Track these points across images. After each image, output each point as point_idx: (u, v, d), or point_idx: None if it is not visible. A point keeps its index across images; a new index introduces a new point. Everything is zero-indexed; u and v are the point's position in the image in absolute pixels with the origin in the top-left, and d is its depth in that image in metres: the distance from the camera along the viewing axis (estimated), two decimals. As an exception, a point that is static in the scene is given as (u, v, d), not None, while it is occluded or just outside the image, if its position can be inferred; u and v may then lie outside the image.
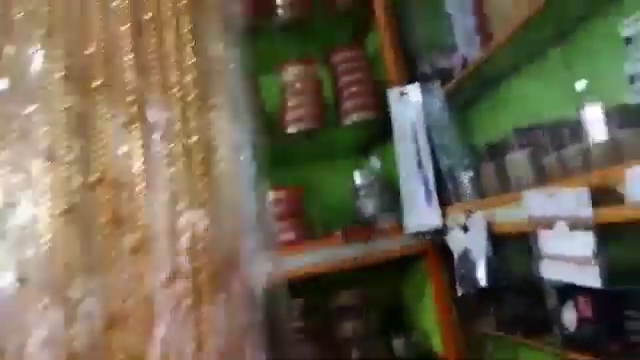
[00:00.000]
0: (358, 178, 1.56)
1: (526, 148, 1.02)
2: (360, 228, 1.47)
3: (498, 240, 1.07)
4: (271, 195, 1.48)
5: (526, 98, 1.16)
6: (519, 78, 1.21)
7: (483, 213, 1.09)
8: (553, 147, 0.95)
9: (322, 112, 1.53)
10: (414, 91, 1.43)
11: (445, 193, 1.35)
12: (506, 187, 1.05)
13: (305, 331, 1.44)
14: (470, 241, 1.14)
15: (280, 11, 1.55)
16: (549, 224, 0.86)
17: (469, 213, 1.15)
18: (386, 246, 1.38)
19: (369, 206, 1.52)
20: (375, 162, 1.62)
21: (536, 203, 0.89)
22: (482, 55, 1.13)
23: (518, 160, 1.01)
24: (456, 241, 1.20)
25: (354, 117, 1.51)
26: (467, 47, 1.24)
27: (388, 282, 1.69)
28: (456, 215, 1.24)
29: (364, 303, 1.53)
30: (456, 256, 1.22)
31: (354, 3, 1.58)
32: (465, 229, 1.14)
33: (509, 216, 1.00)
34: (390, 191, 1.52)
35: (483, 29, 1.15)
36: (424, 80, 1.45)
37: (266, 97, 1.57)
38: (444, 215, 1.32)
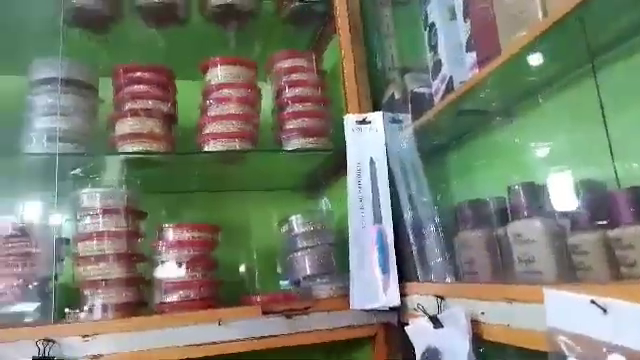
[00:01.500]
0: (295, 224, 1.18)
1: (539, 216, 0.68)
2: (288, 296, 1.08)
3: (487, 348, 0.71)
4: (170, 233, 1.07)
5: (537, 143, 0.84)
6: (530, 114, 0.89)
7: (464, 305, 0.73)
8: (587, 219, 0.61)
9: (255, 130, 1.15)
10: (377, 120, 1.09)
11: (407, 262, 0.99)
12: (506, 272, 0.70)
13: None
14: (442, 340, 0.77)
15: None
16: (591, 350, 0.50)
17: (442, 300, 0.80)
18: (321, 324, 0.99)
19: (305, 264, 1.13)
20: (319, 205, 1.25)
21: (567, 311, 0.53)
22: (477, 76, 0.80)
23: (530, 230, 0.67)
24: (420, 335, 0.83)
25: (297, 143, 1.14)
26: (454, 65, 0.91)
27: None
28: (422, 297, 0.88)
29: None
30: (418, 355, 0.84)
31: (313, 4, 1.25)
32: (435, 322, 0.78)
33: (511, 319, 0.65)
34: (337, 247, 1.15)
35: (481, 41, 0.82)
36: (391, 107, 1.12)
37: (184, 104, 1.19)
38: (404, 293, 0.96)
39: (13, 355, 0.84)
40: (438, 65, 0.94)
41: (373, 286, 0.98)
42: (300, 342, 0.98)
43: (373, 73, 1.17)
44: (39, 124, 1.05)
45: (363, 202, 1.03)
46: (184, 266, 1.05)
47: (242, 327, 0.95)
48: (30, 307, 0.99)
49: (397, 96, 1.12)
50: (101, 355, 0.88)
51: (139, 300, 1.04)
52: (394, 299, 0.96)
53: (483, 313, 0.70)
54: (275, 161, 1.24)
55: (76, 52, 1.12)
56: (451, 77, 0.90)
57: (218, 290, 1.09)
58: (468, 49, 0.87)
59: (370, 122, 1.09)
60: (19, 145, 1.06)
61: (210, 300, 1.05)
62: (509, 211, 0.75)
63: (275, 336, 0.96)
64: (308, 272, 1.13)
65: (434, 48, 0.97)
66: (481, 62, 0.80)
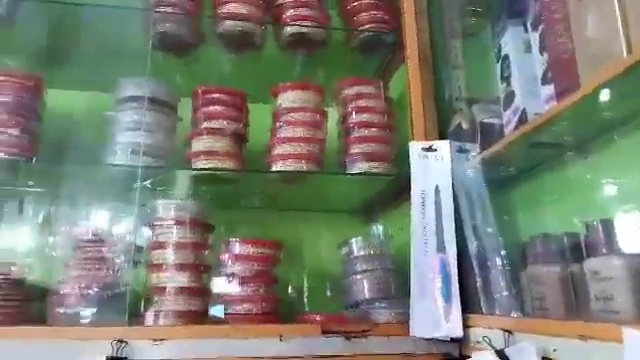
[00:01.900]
0: (355, 246, 1.19)
1: (617, 253, 0.66)
2: (346, 317, 1.09)
3: (556, 387, 0.69)
4: (237, 246, 1.11)
5: (610, 180, 0.82)
6: (605, 151, 0.87)
7: (534, 341, 0.72)
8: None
9: (321, 153, 1.19)
10: (443, 148, 1.09)
11: (470, 293, 0.98)
12: (580, 310, 0.69)
13: None
14: (508, 376, 0.75)
15: (289, 26, 1.25)
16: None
17: (509, 335, 0.78)
18: (380, 348, 0.99)
19: (364, 288, 1.14)
20: (381, 230, 1.26)
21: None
22: (554, 108, 0.80)
23: (609, 267, 0.65)
24: (484, 369, 0.81)
25: (362, 167, 1.17)
26: (528, 97, 0.91)
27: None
28: (487, 331, 0.87)
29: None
30: (480, 389, 0.83)
31: (383, 34, 1.28)
32: (502, 356, 0.76)
33: (586, 357, 0.63)
34: (396, 273, 1.15)
35: (559, 74, 0.82)
36: (458, 137, 1.12)
37: (254, 126, 1.24)
38: (467, 324, 0.95)
39: (89, 352, 0.89)
40: (511, 96, 0.95)
41: (434, 315, 0.97)
42: (358, 366, 0.98)
43: (439, 103, 1.18)
44: (124, 138, 1.14)
45: (426, 230, 1.03)
46: (248, 280, 1.08)
47: (302, 344, 0.97)
48: (104, 309, 1.06)
49: (465, 126, 1.12)
50: (169, 360, 0.92)
51: (203, 310, 1.08)
52: (457, 330, 0.95)
53: (555, 350, 0.68)
54: (338, 184, 1.26)
55: (159, 73, 1.20)
56: (524, 109, 0.90)
57: (278, 306, 1.12)
58: (544, 82, 0.87)
59: (436, 150, 1.09)
60: (102, 157, 1.14)
61: (270, 315, 1.08)
62: (584, 247, 0.73)
63: (334, 356, 0.97)
64: (367, 296, 1.13)
65: (507, 80, 0.97)
66: (559, 94, 0.80)
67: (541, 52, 0.89)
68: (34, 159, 1.09)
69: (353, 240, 1.20)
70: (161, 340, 0.93)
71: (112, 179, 1.19)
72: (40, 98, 1.15)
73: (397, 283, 1.15)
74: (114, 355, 0.90)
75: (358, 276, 1.16)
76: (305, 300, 1.38)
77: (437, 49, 1.23)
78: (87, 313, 1.03)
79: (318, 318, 1.06)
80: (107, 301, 1.06)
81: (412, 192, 1.06)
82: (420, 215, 1.04)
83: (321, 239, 1.45)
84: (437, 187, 1.06)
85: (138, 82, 1.17)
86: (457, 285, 0.98)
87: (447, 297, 0.98)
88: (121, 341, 0.90)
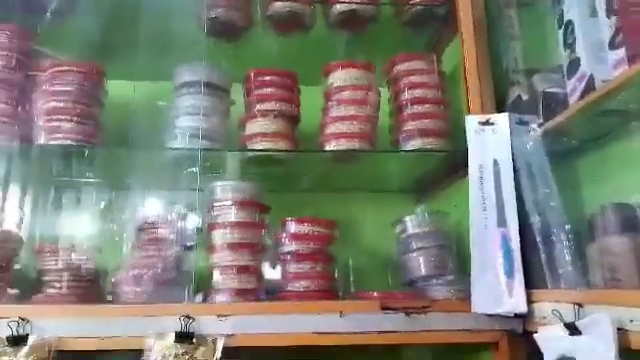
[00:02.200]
0: (410, 224, 1.18)
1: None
2: (405, 294, 1.09)
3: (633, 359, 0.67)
4: (293, 226, 1.13)
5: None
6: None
7: (608, 313, 0.69)
8: None
9: (373, 131, 1.18)
10: (502, 121, 1.06)
11: (533, 268, 0.96)
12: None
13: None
14: (580, 350, 0.73)
15: (339, 3, 1.24)
16: None
17: (579, 308, 0.76)
18: (440, 324, 0.99)
19: (421, 265, 1.13)
20: (437, 206, 1.24)
21: None
22: (626, 73, 0.76)
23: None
24: (553, 343, 0.80)
25: (416, 143, 1.15)
26: (594, 63, 0.86)
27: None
28: (554, 304, 0.85)
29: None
30: (548, 364, 0.81)
31: (435, 7, 1.25)
32: (573, 330, 0.74)
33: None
34: (453, 249, 1.14)
35: (632, 37, 0.78)
36: (517, 109, 1.09)
37: (305, 109, 1.24)
38: (531, 300, 0.93)
39: (159, 328, 0.94)
40: (575, 64, 0.90)
41: (497, 290, 0.96)
42: (418, 341, 0.98)
43: (494, 76, 1.14)
44: (182, 122, 1.17)
45: (486, 204, 1.01)
46: (305, 258, 1.10)
47: (362, 320, 0.98)
48: (169, 288, 1.10)
49: (524, 97, 1.09)
50: (234, 334, 0.95)
51: (262, 288, 1.11)
52: (521, 305, 0.93)
53: (632, 321, 0.66)
54: (390, 162, 1.26)
55: (209, 59, 1.22)
56: (591, 75, 0.86)
57: (334, 284, 1.13)
58: (612, 46, 0.82)
59: (493, 123, 1.07)
60: (163, 142, 1.18)
61: (328, 293, 1.09)
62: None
63: (394, 332, 0.98)
64: (423, 273, 1.13)
65: (570, 46, 0.93)
66: (631, 58, 0.76)
67: (608, 15, 0.84)
68: (97, 145, 1.14)
69: (407, 218, 1.19)
70: (225, 316, 0.96)
71: (171, 163, 1.23)
72: (102, 87, 1.20)
73: (453, 260, 1.14)
74: (182, 330, 0.94)
75: (413, 254, 1.16)
76: (358, 280, 1.39)
77: (491, 20, 1.19)
78: (152, 292, 1.08)
79: (375, 295, 1.06)
80: (171, 280, 1.10)
81: (470, 167, 1.04)
82: (479, 190, 1.02)
83: (372, 219, 1.45)
84: (495, 161, 1.04)
85: (194, 67, 1.20)
86: (520, 260, 0.96)
87: (510, 272, 0.96)
88: (188, 317, 0.94)
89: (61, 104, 1.12)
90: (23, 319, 0.93)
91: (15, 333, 0.92)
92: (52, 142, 1.11)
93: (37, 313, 0.95)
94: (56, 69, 1.15)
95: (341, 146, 1.15)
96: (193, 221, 1.18)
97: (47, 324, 0.94)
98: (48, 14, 1.28)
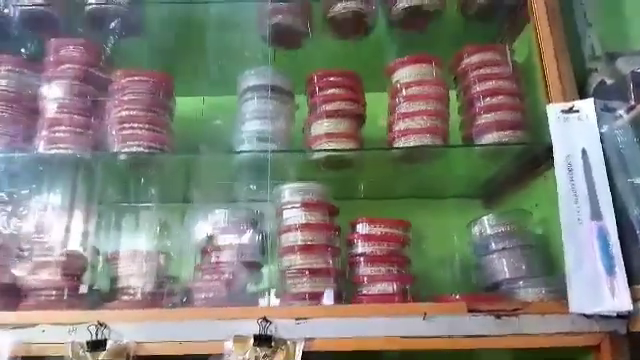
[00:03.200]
0: (487, 224, 1.12)
1: None
2: (491, 297, 1.02)
3: None
4: (363, 227, 1.09)
5: None
6: None
7: None
8: None
9: (445, 126, 1.13)
10: (586, 108, 1.00)
11: (635, 261, 0.88)
12: None
13: None
14: None
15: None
16: None
17: None
18: (534, 328, 0.91)
19: (504, 267, 1.06)
20: (518, 204, 1.17)
21: None
22: None
23: None
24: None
25: (492, 137, 1.10)
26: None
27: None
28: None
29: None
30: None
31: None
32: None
33: None
34: (538, 249, 1.07)
35: None
36: (602, 94, 1.02)
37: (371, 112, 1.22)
38: (635, 297, 0.85)
39: (237, 330, 0.91)
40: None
41: (596, 288, 0.88)
42: (510, 345, 0.92)
43: (576, 59, 1.08)
44: (249, 127, 1.17)
45: (577, 197, 0.94)
46: (380, 260, 1.05)
47: (447, 323, 0.92)
48: (244, 293, 1.09)
49: (608, 82, 1.02)
50: (313, 338, 0.91)
51: (337, 291, 1.07)
52: (625, 303, 0.85)
53: None
54: (464, 159, 1.20)
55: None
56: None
57: (412, 287, 1.08)
58: None
59: (578, 111, 1.00)
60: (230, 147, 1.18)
61: (405, 296, 1.04)
62: None
63: (483, 336, 0.91)
64: (507, 275, 1.06)
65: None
66: None
67: None
68: (169, 152, 1.16)
69: (485, 218, 1.13)
70: (304, 319, 0.93)
71: (238, 169, 1.23)
72: (172, 96, 1.22)
73: (540, 260, 1.06)
74: (261, 333, 0.91)
75: (494, 255, 1.09)
76: (427, 288, 1.33)
77: (566, 5, 1.14)
78: (226, 297, 1.07)
79: (458, 298, 1.00)
80: (245, 286, 1.09)
81: (555, 158, 0.98)
82: (568, 182, 0.95)
83: (437, 226, 1.38)
84: (584, 150, 0.97)
85: (259, 72, 1.20)
86: (620, 254, 0.88)
87: (609, 268, 0.88)
88: (266, 320, 0.91)
89: (133, 112, 1.14)
90: (101, 324, 0.93)
91: (94, 338, 0.92)
92: (125, 149, 1.13)
93: (115, 318, 0.94)
94: (127, 79, 1.18)
95: (411, 143, 1.11)
96: (263, 226, 1.17)
97: (125, 329, 0.93)
98: (115, 34, 1.32)
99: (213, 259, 1.13)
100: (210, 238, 1.17)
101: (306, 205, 1.10)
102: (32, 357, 0.92)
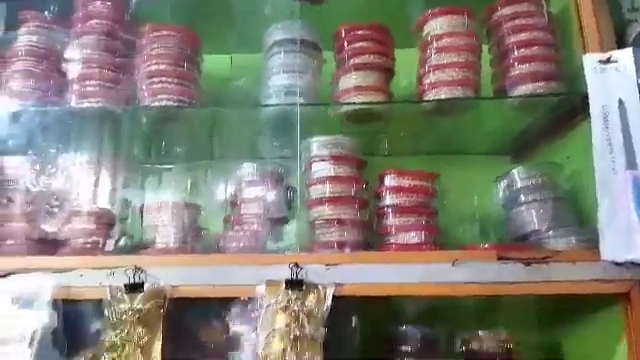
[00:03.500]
0: (517, 177, 1.12)
1: None
2: (521, 246, 1.02)
3: None
4: (391, 179, 1.09)
5: None
6: None
7: None
8: None
9: (477, 78, 1.12)
10: (625, 58, 0.97)
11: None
12: None
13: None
14: None
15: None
16: None
17: None
18: (563, 275, 0.91)
19: (533, 218, 1.06)
20: (548, 159, 1.16)
21: None
22: None
23: None
24: None
25: (525, 89, 1.08)
26: None
27: (543, 329, 1.20)
28: None
29: (509, 354, 1.06)
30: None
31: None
32: None
33: None
34: (568, 201, 1.06)
35: None
36: (640, 43, 0.99)
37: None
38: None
39: (269, 275, 0.94)
40: None
41: (629, 237, 0.87)
42: (539, 291, 0.92)
43: (614, 8, 1.05)
44: (277, 81, 1.16)
45: (612, 147, 0.93)
46: (409, 210, 1.06)
47: (476, 270, 0.93)
48: (274, 240, 1.11)
49: (649, 30, 0.99)
50: (342, 284, 0.93)
51: (365, 241, 1.08)
52: (659, 250, 0.84)
53: None
54: (494, 113, 1.19)
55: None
56: None
57: (440, 238, 1.08)
58: None
59: (616, 61, 0.98)
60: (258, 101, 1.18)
61: (434, 246, 1.05)
62: None
63: (512, 283, 0.92)
64: (536, 226, 1.06)
65: None
66: None
67: None
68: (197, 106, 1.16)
69: (514, 170, 1.13)
70: (334, 265, 0.94)
71: (265, 124, 1.23)
72: (199, 52, 1.22)
73: (571, 212, 1.06)
74: (292, 277, 0.93)
75: (523, 207, 1.09)
76: (455, 242, 1.33)
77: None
78: (258, 246, 1.09)
79: (487, 246, 1.01)
80: (276, 233, 1.11)
81: (592, 108, 0.96)
82: (603, 132, 0.94)
83: (465, 182, 1.37)
84: (621, 100, 0.95)
85: (287, 25, 1.19)
86: (655, 203, 0.87)
87: (645, 218, 0.87)
88: (297, 265, 0.93)
89: (162, 66, 1.15)
90: (138, 268, 0.96)
91: (131, 281, 0.95)
92: (155, 103, 1.14)
93: (151, 263, 0.97)
94: (156, 34, 1.18)
95: (442, 95, 1.09)
96: (290, 180, 1.18)
97: (161, 273, 0.96)
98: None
99: (242, 211, 1.14)
100: (238, 191, 1.18)
101: (334, 158, 1.11)
102: (72, 301, 0.96)
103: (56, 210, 1.16)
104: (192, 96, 1.16)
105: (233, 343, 0.97)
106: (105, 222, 1.14)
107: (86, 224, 1.12)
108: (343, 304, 0.93)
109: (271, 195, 1.15)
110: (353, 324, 1.02)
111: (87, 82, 1.16)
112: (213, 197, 1.26)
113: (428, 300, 1.04)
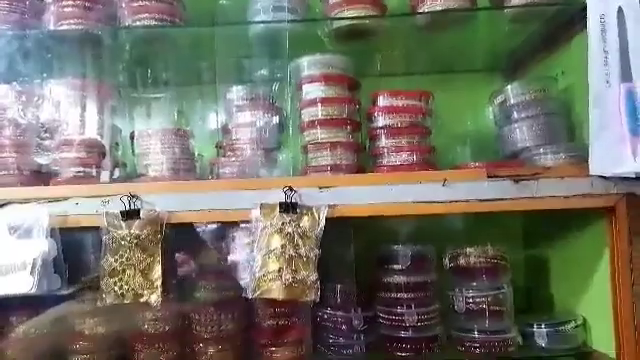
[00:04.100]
0: (511, 94, 1.10)
1: None
2: (512, 163, 1.03)
3: None
4: (384, 99, 1.08)
5: None
6: None
7: None
8: None
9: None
10: (628, -37, 0.92)
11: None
12: None
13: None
14: None
15: None
16: None
17: None
18: (552, 190, 0.93)
19: (525, 134, 1.06)
20: (544, 72, 1.14)
21: None
22: None
23: None
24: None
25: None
26: None
27: (530, 243, 1.24)
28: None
29: (495, 268, 1.10)
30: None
31: None
32: None
33: None
34: (560, 116, 1.05)
35: None
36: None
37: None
38: (661, 158, 0.85)
39: (263, 198, 0.95)
40: None
41: (618, 150, 0.88)
42: (526, 207, 0.94)
43: None
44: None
45: (608, 59, 0.91)
46: (401, 131, 1.05)
47: (467, 189, 0.94)
48: (267, 166, 1.11)
49: None
50: (335, 205, 0.94)
51: (358, 163, 1.09)
52: (645, 164, 0.85)
53: None
54: (490, 26, 1.14)
55: None
56: None
57: (434, 157, 1.09)
58: None
59: (619, -33, 0.92)
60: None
61: (426, 166, 1.05)
62: None
63: (501, 199, 0.94)
64: (528, 143, 1.06)
65: None
66: None
67: None
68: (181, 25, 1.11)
69: (509, 86, 1.11)
70: (327, 187, 0.95)
71: (253, 44, 1.18)
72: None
73: (562, 128, 1.06)
74: (286, 200, 0.94)
75: (516, 124, 1.09)
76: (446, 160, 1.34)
77: None
78: (250, 171, 1.09)
79: (478, 164, 1.01)
80: (267, 159, 1.11)
81: (589, 17, 0.93)
82: (600, 42, 0.91)
83: (461, 100, 1.34)
84: (620, 8, 0.91)
85: None
86: (648, 119, 0.86)
87: (635, 130, 0.87)
88: (291, 189, 0.94)
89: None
90: (133, 195, 0.96)
91: (127, 208, 0.96)
92: (136, 23, 1.08)
93: (146, 190, 0.97)
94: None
95: (437, 7, 1.04)
96: (281, 102, 1.16)
97: (156, 200, 0.96)
98: None
99: (234, 136, 1.13)
100: (229, 117, 1.16)
101: (326, 78, 1.08)
102: (69, 229, 0.97)
103: (47, 142, 1.15)
104: (175, 14, 1.11)
105: (231, 265, 1.00)
106: (97, 151, 1.13)
107: (77, 153, 1.11)
108: (337, 225, 0.95)
109: (262, 121, 1.14)
110: (347, 244, 1.05)
111: (65, 2, 1.10)
112: (204, 123, 1.24)
113: (419, 220, 1.06)
